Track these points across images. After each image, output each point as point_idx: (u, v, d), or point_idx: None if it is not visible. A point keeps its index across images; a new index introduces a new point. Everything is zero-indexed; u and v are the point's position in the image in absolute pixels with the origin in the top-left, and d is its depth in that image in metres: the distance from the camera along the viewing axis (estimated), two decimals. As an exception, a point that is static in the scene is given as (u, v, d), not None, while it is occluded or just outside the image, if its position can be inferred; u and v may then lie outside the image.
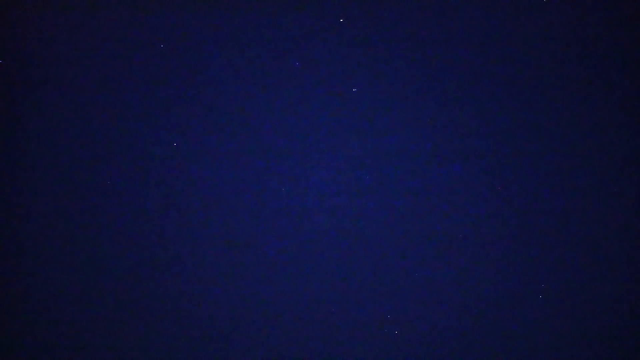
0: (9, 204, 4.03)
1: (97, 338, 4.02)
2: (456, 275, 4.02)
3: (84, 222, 4.03)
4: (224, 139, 4.05)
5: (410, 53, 4.06)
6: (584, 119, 4.03)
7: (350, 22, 4.07)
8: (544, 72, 4.05)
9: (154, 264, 4.03)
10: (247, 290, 4.04)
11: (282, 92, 4.06)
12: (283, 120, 4.06)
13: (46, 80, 4.07)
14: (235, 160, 4.06)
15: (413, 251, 4.02)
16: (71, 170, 4.04)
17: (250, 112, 4.07)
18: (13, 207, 4.03)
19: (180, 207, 4.04)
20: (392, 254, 4.03)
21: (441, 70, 4.05)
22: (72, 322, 4.02)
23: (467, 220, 4.02)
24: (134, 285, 4.02)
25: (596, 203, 4.01)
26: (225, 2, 4.09)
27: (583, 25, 4.05)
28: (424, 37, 4.06)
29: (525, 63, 4.05)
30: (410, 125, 4.05)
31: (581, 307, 4.00)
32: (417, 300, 4.02)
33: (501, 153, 4.03)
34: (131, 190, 4.04)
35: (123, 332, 4.02)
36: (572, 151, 4.03)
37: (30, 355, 4.02)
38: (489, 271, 4.01)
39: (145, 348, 4.02)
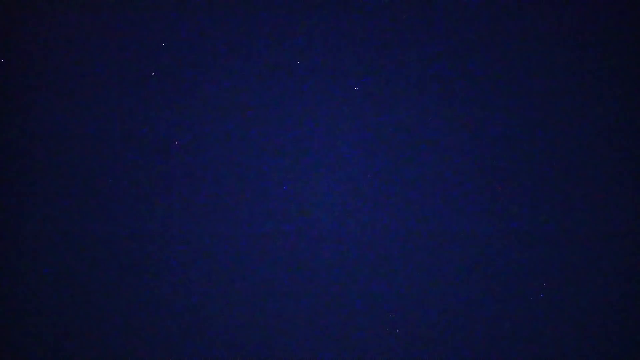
0: (9, 204, 4.02)
1: (98, 338, 4.01)
2: (456, 275, 4.02)
3: (84, 221, 4.02)
4: (225, 138, 4.05)
5: (412, 52, 4.07)
6: (584, 119, 4.05)
7: (351, 22, 4.08)
8: (545, 73, 4.06)
9: (154, 264, 4.02)
10: (246, 290, 4.03)
11: (283, 91, 4.07)
12: (284, 119, 4.07)
13: (46, 80, 4.07)
14: (235, 159, 4.06)
15: (414, 250, 4.03)
16: (71, 169, 4.04)
17: (251, 111, 4.07)
18: (13, 206, 4.02)
19: (181, 206, 4.03)
20: (392, 254, 4.03)
21: (443, 70, 4.06)
22: (73, 322, 4.01)
23: (467, 219, 4.03)
24: (134, 285, 4.01)
25: (596, 203, 4.02)
26: (226, 2, 4.10)
27: (583, 25, 4.07)
28: (426, 37, 4.07)
29: (526, 63, 4.07)
30: (412, 124, 4.06)
31: (581, 305, 4.00)
32: (417, 299, 4.02)
33: (502, 153, 4.04)
34: (132, 189, 4.04)
35: (123, 333, 4.01)
36: (572, 151, 4.04)
37: (30, 355, 4.01)
38: (489, 270, 4.01)
39: (145, 348, 4.01)
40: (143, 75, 4.07)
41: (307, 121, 4.06)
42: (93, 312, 4.02)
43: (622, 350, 3.99)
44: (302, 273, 4.03)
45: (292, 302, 4.02)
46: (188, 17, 4.09)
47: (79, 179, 4.04)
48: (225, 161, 4.05)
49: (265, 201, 4.04)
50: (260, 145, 4.06)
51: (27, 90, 4.06)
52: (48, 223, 4.02)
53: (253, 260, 4.03)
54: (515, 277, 4.00)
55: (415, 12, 4.08)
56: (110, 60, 4.08)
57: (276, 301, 4.02)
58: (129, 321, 4.01)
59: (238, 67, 4.08)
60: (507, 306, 4.00)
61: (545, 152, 4.03)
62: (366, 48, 4.07)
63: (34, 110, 4.06)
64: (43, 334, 4.01)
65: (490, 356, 4.00)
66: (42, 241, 4.02)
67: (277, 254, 4.03)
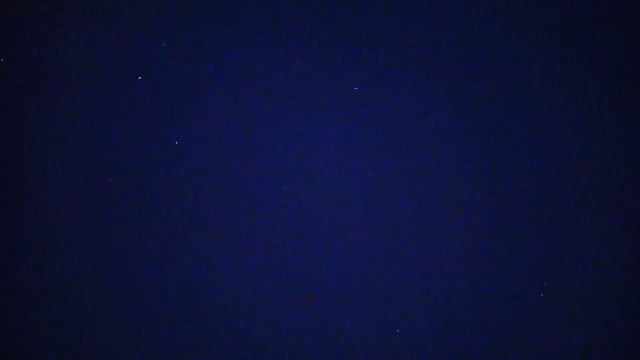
0: (9, 204, 4.02)
1: (97, 338, 4.01)
2: (456, 274, 4.02)
3: (83, 221, 4.03)
4: (225, 138, 4.05)
5: (412, 52, 4.07)
6: (584, 119, 4.05)
7: (352, 22, 4.08)
8: (545, 73, 4.07)
9: (153, 263, 4.02)
10: (246, 290, 4.03)
11: (283, 91, 4.07)
12: (284, 119, 4.07)
13: (46, 80, 4.07)
14: (235, 159, 4.06)
15: (414, 250, 4.03)
16: (71, 169, 4.04)
17: (251, 110, 4.08)
18: (13, 207, 4.02)
19: (180, 206, 4.03)
20: (392, 253, 4.03)
21: (443, 70, 4.07)
22: (73, 322, 4.02)
23: (467, 219, 4.03)
24: (135, 284, 4.01)
25: (596, 203, 4.02)
26: (227, 2, 4.10)
27: (582, 25, 4.08)
28: (426, 37, 4.07)
29: (526, 64, 4.07)
30: (412, 124, 4.06)
31: (581, 305, 4.00)
32: (417, 299, 4.02)
33: (502, 153, 4.04)
34: (131, 189, 4.04)
35: (124, 332, 4.01)
36: (573, 151, 4.04)
37: (30, 355, 4.01)
38: (489, 270, 4.01)
39: (146, 347, 4.01)
40: (143, 75, 4.07)
41: (307, 121, 4.06)
42: (92, 313, 4.02)
43: (622, 350, 3.99)
44: (302, 273, 4.03)
45: (291, 301, 4.02)
46: (189, 17, 4.09)
47: (78, 179, 4.04)
48: (225, 161, 4.05)
49: (265, 201, 4.04)
50: (260, 145, 4.06)
51: (27, 90, 4.06)
52: (48, 223, 4.02)
53: (252, 261, 4.03)
54: (515, 277, 4.00)
55: (415, 12, 4.08)
56: (110, 60, 4.08)
57: (275, 301, 4.02)
58: (128, 321, 4.01)
59: (238, 67, 4.08)
60: (507, 306, 4.00)
61: (545, 152, 4.03)
62: (366, 48, 4.07)
63: (34, 110, 4.06)
64: (43, 334, 4.01)
65: (490, 356, 4.00)
66: (41, 241, 4.02)
67: (276, 254, 4.03)
